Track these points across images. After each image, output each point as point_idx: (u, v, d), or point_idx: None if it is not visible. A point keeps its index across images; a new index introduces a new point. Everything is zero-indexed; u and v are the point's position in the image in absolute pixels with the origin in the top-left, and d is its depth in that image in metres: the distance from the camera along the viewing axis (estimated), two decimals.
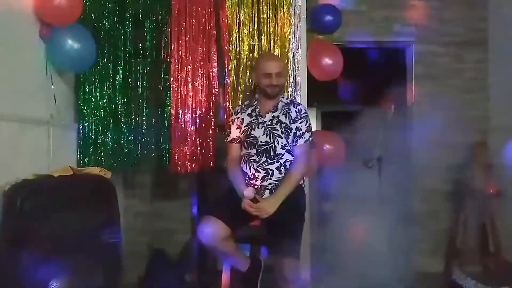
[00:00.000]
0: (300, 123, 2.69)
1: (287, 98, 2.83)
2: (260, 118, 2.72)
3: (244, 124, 2.76)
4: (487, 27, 4.02)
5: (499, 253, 3.56)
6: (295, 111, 2.72)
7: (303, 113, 2.72)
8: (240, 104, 3.02)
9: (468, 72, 4.03)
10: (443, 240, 3.91)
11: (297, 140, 2.68)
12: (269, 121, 2.70)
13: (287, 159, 2.67)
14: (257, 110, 2.75)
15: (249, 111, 2.79)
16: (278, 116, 2.71)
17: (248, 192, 2.54)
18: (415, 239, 3.78)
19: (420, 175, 3.80)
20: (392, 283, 3.19)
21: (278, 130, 2.68)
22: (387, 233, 3.36)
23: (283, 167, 2.66)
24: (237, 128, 2.79)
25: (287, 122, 2.69)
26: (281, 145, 2.67)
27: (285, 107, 2.73)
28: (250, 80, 3.23)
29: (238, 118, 2.80)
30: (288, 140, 2.68)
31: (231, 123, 2.84)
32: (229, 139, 2.81)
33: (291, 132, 2.68)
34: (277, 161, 2.66)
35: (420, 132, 3.65)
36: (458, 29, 4.03)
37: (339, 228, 3.56)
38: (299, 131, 2.68)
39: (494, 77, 3.97)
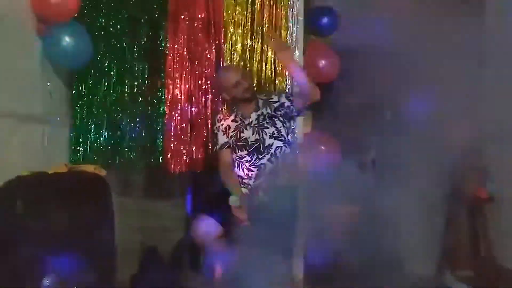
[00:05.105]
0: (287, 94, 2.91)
1: (264, 95, 2.88)
2: (246, 120, 2.78)
3: (232, 130, 2.80)
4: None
5: (491, 257, 3.58)
6: (275, 95, 2.88)
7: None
8: (221, 111, 3.03)
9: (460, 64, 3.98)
10: (435, 244, 3.92)
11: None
12: (255, 120, 2.77)
13: (277, 147, 2.74)
14: (240, 114, 2.80)
15: (232, 117, 2.84)
16: (262, 112, 2.79)
17: (232, 199, 2.60)
18: (406, 242, 3.79)
19: (411, 178, 3.80)
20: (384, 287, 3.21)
21: (264, 124, 2.76)
22: (379, 236, 3.36)
23: (274, 157, 2.72)
24: (223, 134, 2.82)
25: (270, 111, 2.78)
26: (269, 135, 2.74)
27: (265, 102, 2.82)
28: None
29: (222, 125, 2.84)
30: (276, 126, 2.76)
31: (216, 131, 2.87)
32: (218, 146, 2.84)
33: (279, 111, 2.78)
34: (267, 153, 2.72)
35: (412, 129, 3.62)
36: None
37: (331, 229, 3.56)
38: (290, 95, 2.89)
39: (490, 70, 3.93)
